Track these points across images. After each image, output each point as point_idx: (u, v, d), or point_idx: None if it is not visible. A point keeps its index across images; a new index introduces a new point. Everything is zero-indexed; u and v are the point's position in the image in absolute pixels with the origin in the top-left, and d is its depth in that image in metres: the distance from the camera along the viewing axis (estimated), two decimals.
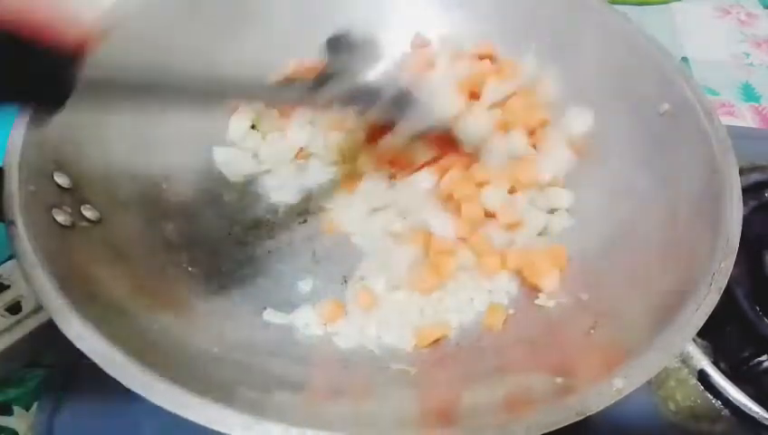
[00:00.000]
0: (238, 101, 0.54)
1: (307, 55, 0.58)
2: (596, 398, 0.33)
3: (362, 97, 0.47)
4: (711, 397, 0.47)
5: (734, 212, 0.42)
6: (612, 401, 0.33)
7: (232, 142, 0.58)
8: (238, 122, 0.58)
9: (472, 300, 0.49)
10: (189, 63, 0.53)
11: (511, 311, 0.49)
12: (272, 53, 0.58)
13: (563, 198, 0.54)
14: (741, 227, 0.41)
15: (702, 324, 0.37)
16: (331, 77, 0.44)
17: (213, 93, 0.41)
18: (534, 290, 0.49)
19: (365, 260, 0.52)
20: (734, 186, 0.43)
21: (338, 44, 0.45)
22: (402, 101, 0.49)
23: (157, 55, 0.51)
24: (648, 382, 0.35)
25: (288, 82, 0.48)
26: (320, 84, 0.44)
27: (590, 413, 0.33)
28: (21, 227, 0.38)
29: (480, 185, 0.52)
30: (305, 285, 0.50)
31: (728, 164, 0.44)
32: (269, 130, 0.59)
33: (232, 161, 0.57)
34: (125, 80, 0.35)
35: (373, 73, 0.48)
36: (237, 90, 0.43)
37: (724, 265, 0.39)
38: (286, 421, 0.32)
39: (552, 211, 0.54)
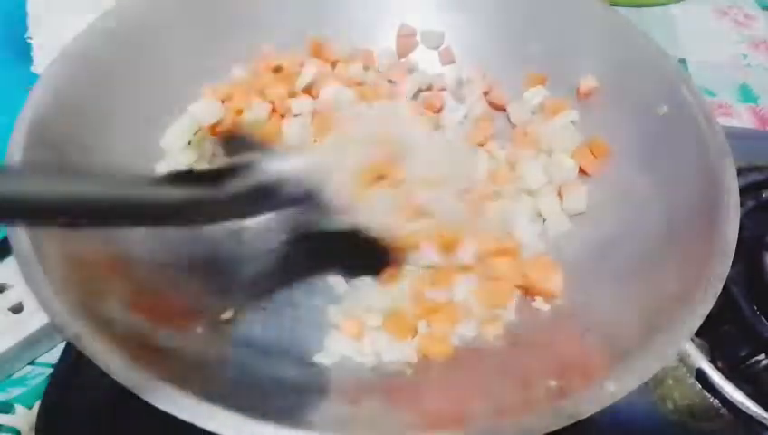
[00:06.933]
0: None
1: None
2: (588, 402, 0.33)
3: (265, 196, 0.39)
4: (709, 396, 0.48)
5: (731, 217, 0.41)
6: (604, 405, 0.33)
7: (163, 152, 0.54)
8: (174, 136, 0.54)
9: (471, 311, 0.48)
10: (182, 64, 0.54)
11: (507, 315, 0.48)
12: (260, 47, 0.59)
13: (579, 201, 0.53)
14: (737, 232, 0.41)
15: (696, 329, 0.37)
16: (231, 174, 0.37)
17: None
18: (539, 295, 0.48)
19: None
20: (732, 190, 0.43)
21: (234, 143, 0.39)
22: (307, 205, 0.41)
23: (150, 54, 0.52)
24: (646, 381, 0.35)
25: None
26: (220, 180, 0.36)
27: (582, 417, 0.33)
28: (21, 227, 0.38)
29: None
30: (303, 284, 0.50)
31: (726, 169, 0.44)
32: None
33: None
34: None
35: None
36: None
37: (720, 271, 0.39)
38: (279, 423, 0.32)
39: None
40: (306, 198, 0.41)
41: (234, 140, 0.37)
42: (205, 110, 0.56)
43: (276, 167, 0.38)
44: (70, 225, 0.33)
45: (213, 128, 0.56)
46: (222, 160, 0.38)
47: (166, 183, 0.35)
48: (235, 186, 0.37)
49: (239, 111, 0.57)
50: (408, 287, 0.49)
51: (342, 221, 0.43)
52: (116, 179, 0.33)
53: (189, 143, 0.55)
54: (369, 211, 0.44)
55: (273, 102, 0.57)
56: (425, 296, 0.48)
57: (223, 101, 0.57)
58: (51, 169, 0.31)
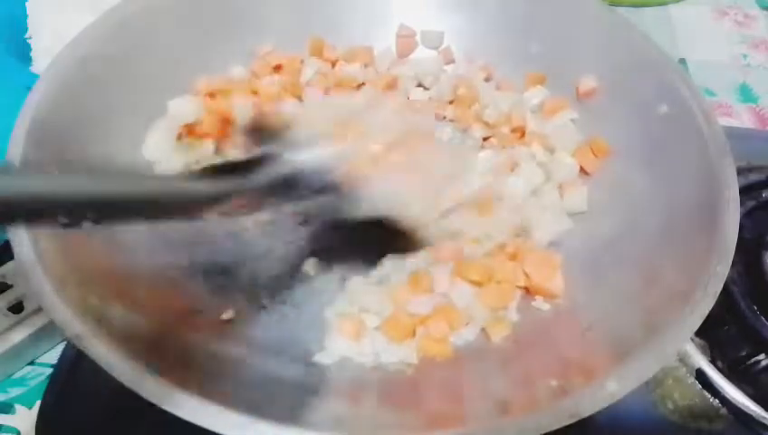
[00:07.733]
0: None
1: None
2: (589, 401, 0.33)
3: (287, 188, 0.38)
4: (709, 396, 0.48)
5: (731, 216, 0.42)
6: (605, 405, 0.33)
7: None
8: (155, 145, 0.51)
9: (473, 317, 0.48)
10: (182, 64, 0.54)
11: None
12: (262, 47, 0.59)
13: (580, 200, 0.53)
14: (737, 232, 0.41)
15: (696, 329, 0.37)
16: (257, 165, 0.37)
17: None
18: (540, 294, 0.48)
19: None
20: (732, 189, 0.43)
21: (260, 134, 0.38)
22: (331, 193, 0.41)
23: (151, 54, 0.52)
24: (646, 381, 0.35)
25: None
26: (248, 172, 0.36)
27: (583, 416, 0.33)
28: (21, 227, 0.38)
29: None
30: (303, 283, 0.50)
31: (726, 168, 0.44)
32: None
33: None
34: None
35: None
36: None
37: (719, 270, 0.39)
38: (279, 423, 0.32)
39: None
40: (331, 188, 0.41)
41: (259, 131, 0.37)
42: (183, 106, 0.52)
43: (302, 157, 0.38)
44: (97, 222, 0.31)
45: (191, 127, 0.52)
46: (246, 152, 0.38)
47: (193, 178, 0.36)
48: (260, 178, 0.37)
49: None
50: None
51: (366, 208, 0.43)
52: (142, 177, 0.34)
53: (179, 137, 0.52)
54: (390, 197, 0.44)
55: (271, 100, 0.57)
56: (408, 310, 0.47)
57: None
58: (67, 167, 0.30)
